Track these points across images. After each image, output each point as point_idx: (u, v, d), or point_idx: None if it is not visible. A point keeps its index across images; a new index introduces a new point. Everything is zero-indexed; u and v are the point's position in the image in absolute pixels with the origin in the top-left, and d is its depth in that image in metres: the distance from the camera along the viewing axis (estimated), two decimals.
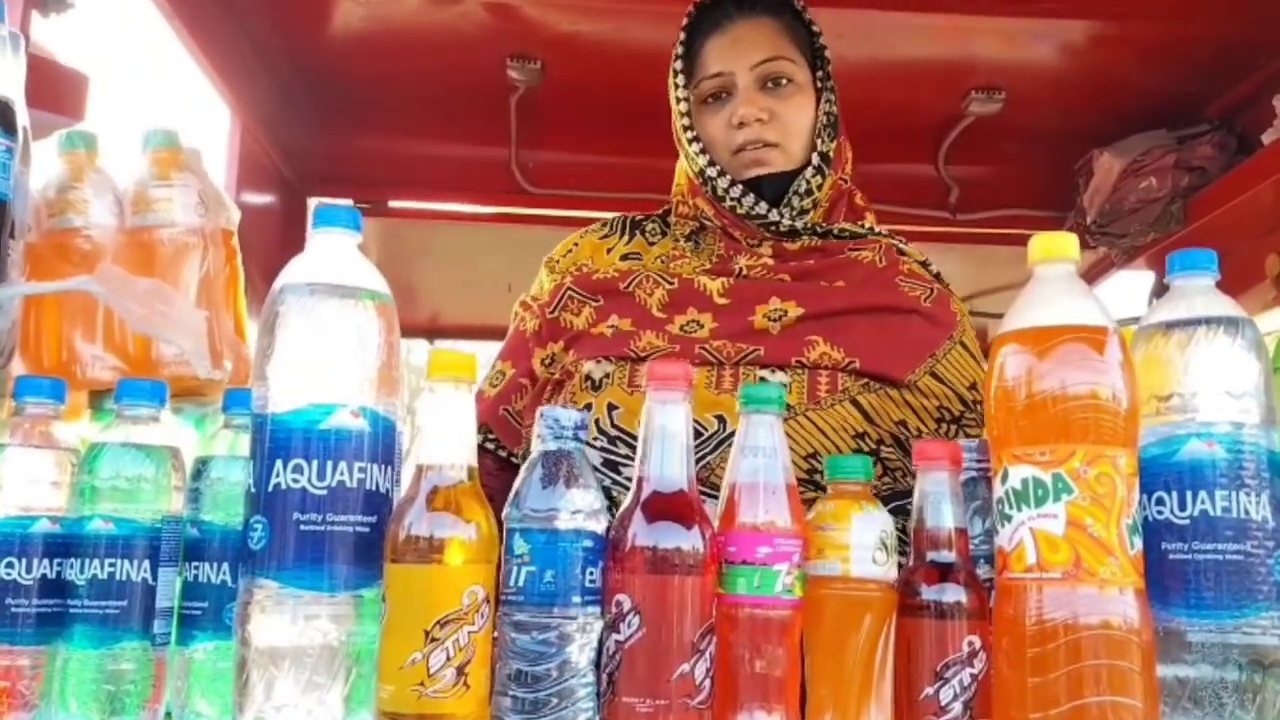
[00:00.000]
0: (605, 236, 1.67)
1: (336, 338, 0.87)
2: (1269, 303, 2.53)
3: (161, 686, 0.95)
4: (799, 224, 1.54)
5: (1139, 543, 0.85)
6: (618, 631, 0.86)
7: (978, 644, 0.90)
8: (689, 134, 1.56)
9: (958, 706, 0.89)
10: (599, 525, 0.88)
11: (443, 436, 0.90)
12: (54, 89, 1.52)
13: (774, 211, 1.52)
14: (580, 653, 0.85)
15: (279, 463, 0.86)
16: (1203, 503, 0.87)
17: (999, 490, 0.88)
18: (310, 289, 0.88)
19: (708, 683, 0.86)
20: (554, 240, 3.43)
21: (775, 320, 1.47)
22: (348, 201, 2.91)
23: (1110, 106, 2.81)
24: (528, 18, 2.45)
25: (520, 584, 0.86)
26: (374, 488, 0.87)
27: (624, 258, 1.61)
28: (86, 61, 1.60)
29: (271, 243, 2.67)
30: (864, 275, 1.54)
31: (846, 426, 1.41)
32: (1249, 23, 2.44)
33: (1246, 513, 0.86)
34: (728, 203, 1.53)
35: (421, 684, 0.84)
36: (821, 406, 1.41)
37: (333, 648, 0.86)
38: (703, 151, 1.55)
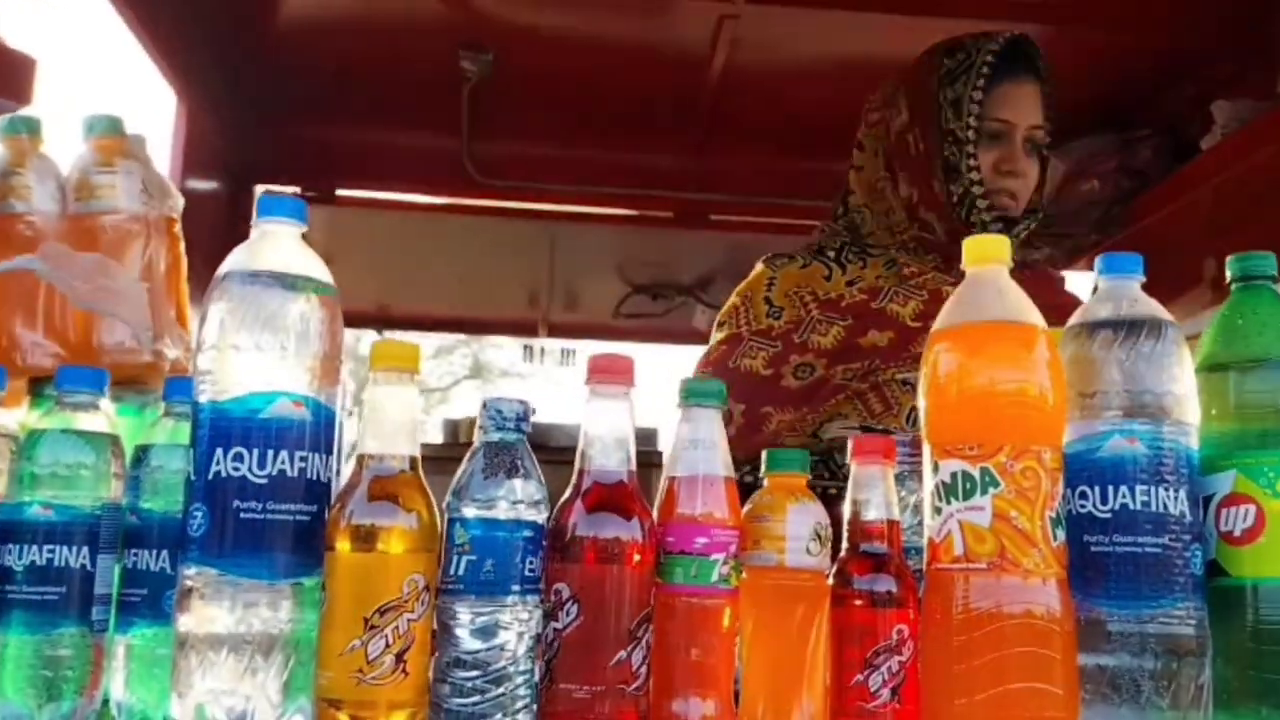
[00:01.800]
0: (805, 266, 1.72)
1: (278, 327, 0.87)
2: (1206, 304, 2.59)
3: (99, 673, 0.95)
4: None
5: (1062, 535, 0.87)
6: (556, 620, 0.88)
7: (906, 632, 0.92)
8: (972, 161, 1.65)
9: (886, 693, 0.91)
10: (539, 515, 0.89)
11: (385, 426, 0.91)
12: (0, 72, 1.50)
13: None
14: (519, 641, 0.87)
15: (219, 451, 0.86)
16: (1123, 497, 0.89)
17: (930, 483, 0.91)
18: (253, 278, 0.88)
19: (644, 670, 0.88)
20: (506, 231, 3.44)
21: None
22: (294, 190, 2.89)
23: (1056, 109, 2.86)
24: (480, 8, 2.45)
25: (460, 572, 0.87)
26: (315, 477, 0.87)
27: (850, 283, 1.68)
28: (32, 45, 1.58)
29: (216, 231, 2.65)
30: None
31: None
32: (1190, 31, 2.51)
33: (1165, 507, 0.89)
34: (975, 230, 1.63)
35: (361, 671, 0.85)
36: None
37: (272, 635, 0.86)
38: (981, 183, 1.65)
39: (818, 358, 1.63)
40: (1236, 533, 0.92)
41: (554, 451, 1.51)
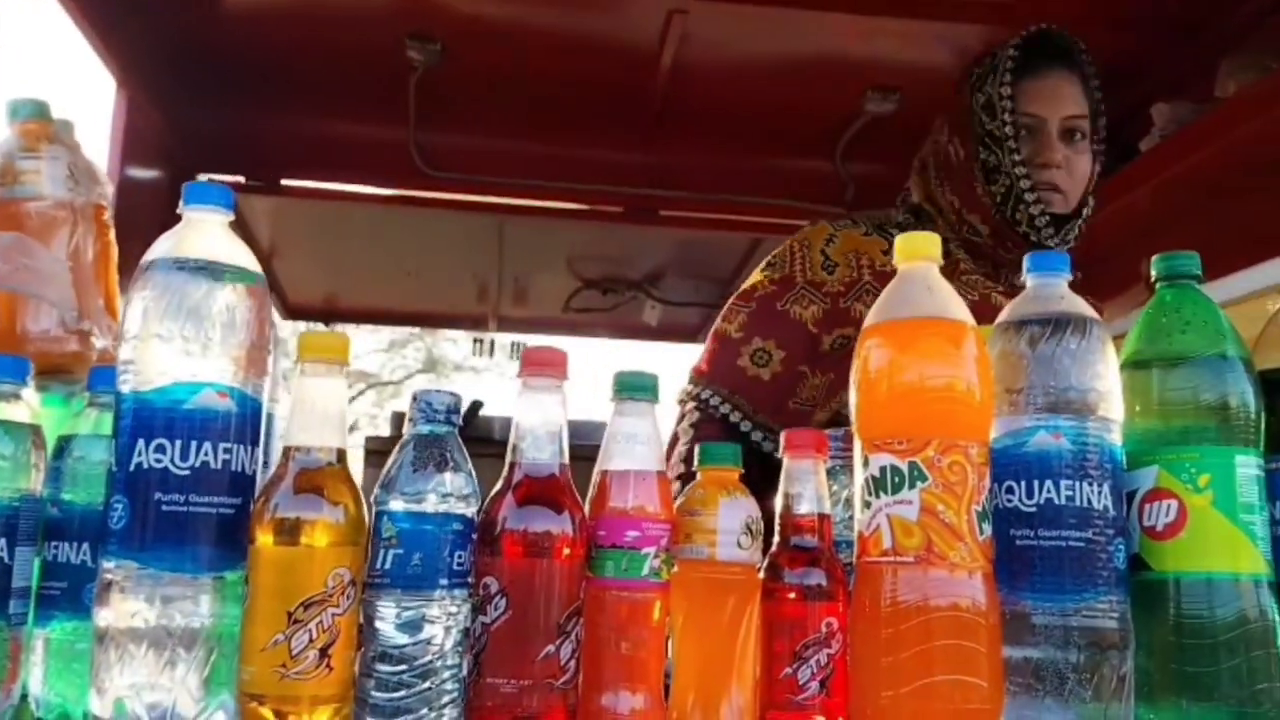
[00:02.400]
0: (867, 234, 1.72)
1: (203, 316, 0.86)
2: (1143, 302, 2.63)
3: (17, 667, 0.93)
4: None
5: (989, 529, 0.88)
6: (485, 614, 0.87)
7: (835, 625, 0.93)
8: (1016, 155, 1.64)
9: (815, 685, 0.92)
10: (469, 509, 0.89)
11: (312, 418, 0.90)
12: None
13: (1059, 249, 1.64)
14: (446, 635, 0.86)
15: (141, 442, 0.85)
16: (1049, 492, 0.91)
17: (860, 477, 0.91)
18: (177, 266, 0.87)
19: (573, 664, 0.88)
20: (454, 223, 3.42)
21: None
22: (238, 179, 2.85)
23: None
24: None
25: (387, 566, 0.86)
26: (239, 469, 0.86)
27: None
28: None
29: (158, 221, 2.59)
30: None
31: None
32: (1132, 35, 2.54)
33: (1089, 502, 0.90)
34: (1024, 228, 1.64)
35: (284, 665, 0.84)
36: None
37: (194, 629, 0.85)
38: (1027, 176, 1.64)
39: (856, 329, 1.62)
40: (1159, 528, 0.94)
41: (502, 446, 1.50)
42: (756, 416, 1.63)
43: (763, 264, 1.76)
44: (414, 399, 0.92)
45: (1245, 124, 2.19)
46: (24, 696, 0.96)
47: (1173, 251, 1.00)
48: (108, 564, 0.85)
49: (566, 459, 0.92)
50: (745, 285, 1.75)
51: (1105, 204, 2.75)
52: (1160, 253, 1.03)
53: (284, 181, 3.01)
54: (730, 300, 1.74)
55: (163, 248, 0.90)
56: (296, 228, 3.27)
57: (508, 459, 0.92)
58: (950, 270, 1.66)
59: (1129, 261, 2.69)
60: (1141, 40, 2.57)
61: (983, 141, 1.68)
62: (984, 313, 1.59)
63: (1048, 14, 2.46)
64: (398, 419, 4.03)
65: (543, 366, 0.93)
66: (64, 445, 0.99)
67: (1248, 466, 0.93)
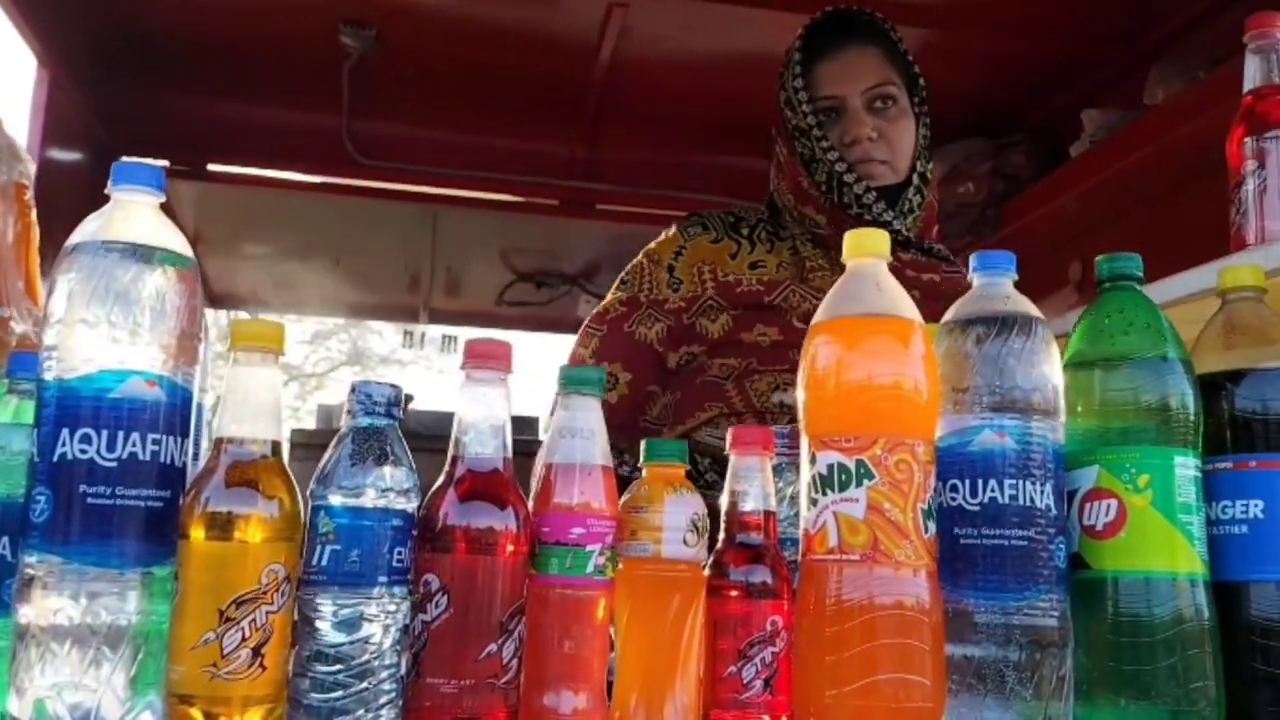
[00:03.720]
0: (716, 240, 1.71)
1: (131, 301, 0.82)
2: (1071, 305, 2.69)
3: None
4: (910, 236, 1.66)
5: (933, 527, 0.88)
6: (424, 612, 0.85)
7: (780, 623, 0.92)
8: (824, 143, 1.64)
9: (759, 684, 0.91)
10: (409, 504, 0.86)
11: (245, 409, 0.87)
12: None
13: (896, 220, 1.63)
14: (385, 634, 0.84)
15: (65, 432, 0.81)
16: (993, 490, 0.91)
17: (807, 475, 0.91)
18: (105, 248, 0.83)
19: (515, 663, 0.86)
20: (386, 213, 3.38)
21: None
22: (163, 163, 2.77)
23: (934, 112, 2.91)
24: None
25: (324, 563, 0.83)
26: (169, 460, 0.83)
27: (752, 267, 1.67)
28: None
29: (80, 204, 2.50)
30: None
31: None
32: (1067, 41, 2.59)
33: (1032, 501, 0.91)
34: (855, 209, 1.62)
35: (214, 665, 0.81)
36: None
37: (120, 627, 0.81)
38: (841, 159, 1.63)
39: (701, 347, 1.63)
40: (1099, 527, 0.94)
41: (431, 440, 1.48)
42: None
43: (617, 280, 1.76)
44: (353, 390, 0.89)
45: (1174, 130, 2.24)
46: None
47: (1116, 253, 1.01)
48: (29, 558, 0.81)
49: (510, 453, 0.90)
50: (598, 307, 1.75)
51: (1036, 207, 2.81)
52: (1091, 255, 1.04)
53: (210, 166, 2.94)
54: (585, 323, 1.74)
55: (90, 229, 0.86)
56: (221, 214, 3.19)
57: (450, 453, 0.90)
58: (798, 271, 1.68)
59: (1059, 264, 2.75)
60: (1072, 47, 2.62)
61: (794, 136, 1.69)
62: None
63: (978, 18, 2.51)
64: (325, 412, 3.96)
65: (487, 359, 0.91)
66: None
67: (1186, 467, 0.94)
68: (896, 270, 1.61)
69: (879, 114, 1.67)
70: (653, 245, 1.75)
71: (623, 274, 1.75)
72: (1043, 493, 0.91)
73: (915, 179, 1.67)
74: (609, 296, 1.74)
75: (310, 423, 4.21)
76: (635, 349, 1.66)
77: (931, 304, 1.61)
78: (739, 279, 1.66)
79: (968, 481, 0.92)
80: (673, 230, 1.75)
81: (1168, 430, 0.94)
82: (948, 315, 0.98)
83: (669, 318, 1.66)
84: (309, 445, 2.96)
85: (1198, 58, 2.27)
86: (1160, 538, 0.93)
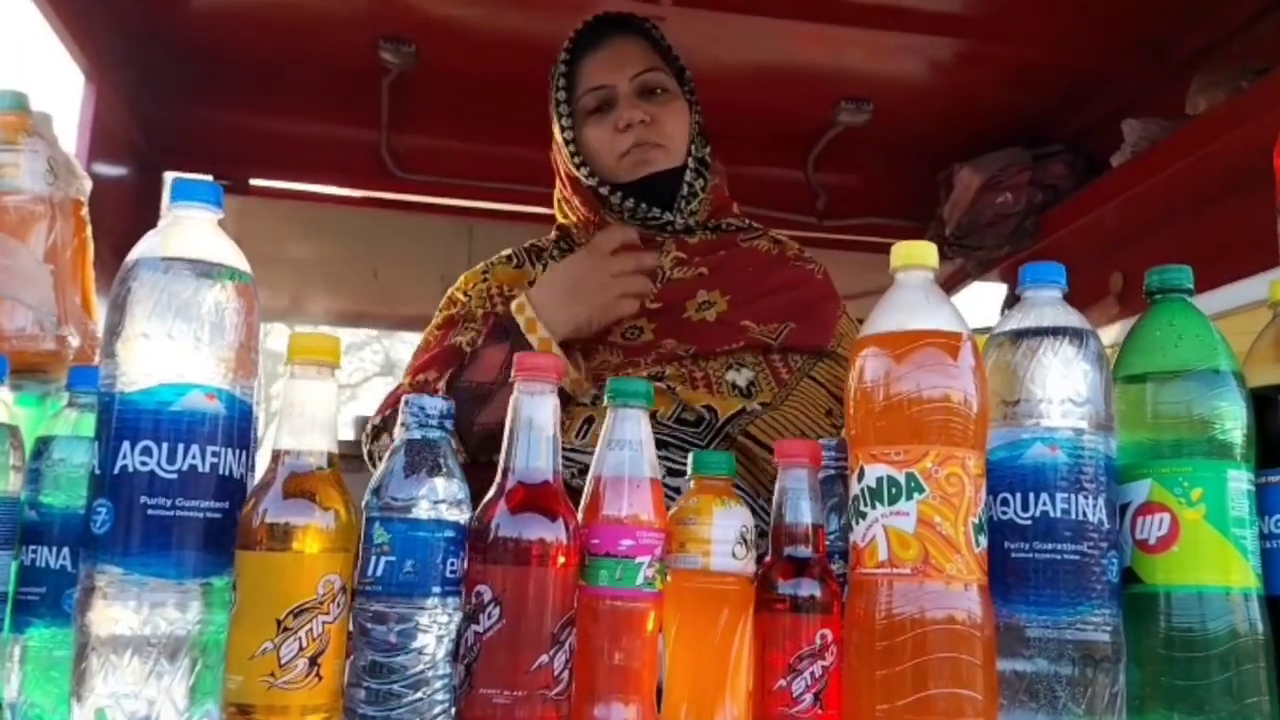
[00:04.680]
0: (518, 267, 1.72)
1: (191, 316, 0.84)
2: (1113, 317, 2.67)
3: None
4: (691, 222, 1.67)
5: (984, 541, 0.88)
6: (477, 623, 0.86)
7: (830, 637, 0.92)
8: (574, 155, 1.66)
9: (809, 698, 0.91)
10: (461, 515, 0.87)
11: (302, 421, 0.88)
12: None
13: (666, 214, 1.65)
14: (438, 644, 0.84)
15: (126, 444, 0.82)
16: (1044, 504, 0.91)
17: (855, 488, 0.91)
18: (165, 265, 0.84)
19: (566, 674, 0.86)
20: (423, 227, 3.40)
21: (706, 310, 1.60)
22: (207, 177, 2.81)
23: (972, 123, 2.92)
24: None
25: (379, 573, 0.84)
26: (227, 473, 0.84)
27: (531, 284, 1.66)
28: None
29: (123, 216, 2.56)
30: (766, 260, 1.71)
31: (817, 404, 1.53)
32: (1103, 52, 2.57)
33: (1084, 515, 0.90)
34: (620, 212, 1.65)
35: (272, 674, 0.82)
36: (789, 387, 1.53)
37: (179, 637, 0.83)
38: (582, 164, 1.65)
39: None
40: (1151, 541, 0.94)
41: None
42: None
43: (439, 309, 1.76)
44: (406, 403, 0.90)
45: (1218, 140, 2.22)
46: None
47: (1166, 265, 1.00)
48: (90, 569, 0.83)
49: (560, 465, 0.91)
50: (419, 344, 1.73)
51: (1075, 218, 2.79)
52: (1133, 266, 1.04)
53: (252, 180, 2.97)
54: (409, 364, 1.71)
55: (149, 244, 0.87)
56: (263, 228, 3.22)
57: (500, 464, 0.91)
58: None
59: (1099, 275, 2.73)
60: (1112, 57, 2.60)
61: (568, 146, 1.68)
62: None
63: (1017, 28, 2.50)
64: (361, 422, 3.99)
65: (536, 371, 0.92)
66: (43, 447, 0.97)
67: (1239, 481, 0.93)
68: (683, 260, 1.63)
69: (651, 99, 1.67)
70: (460, 279, 1.76)
71: (440, 304, 1.75)
72: (1095, 507, 0.91)
73: (692, 163, 1.67)
74: (430, 326, 1.73)
75: (346, 433, 4.23)
76: (451, 353, 1.61)
77: (731, 273, 1.63)
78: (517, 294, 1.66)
79: (1019, 495, 0.92)
80: (484, 263, 1.77)
81: (1220, 443, 0.94)
82: (998, 328, 0.98)
83: (481, 322, 1.64)
84: (345, 455, 2.98)
85: (1240, 67, 2.25)
86: (1213, 552, 0.92)
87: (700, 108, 1.73)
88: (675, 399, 1.48)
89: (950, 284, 3.31)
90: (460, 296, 1.71)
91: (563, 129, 1.69)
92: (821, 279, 1.73)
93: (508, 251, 1.77)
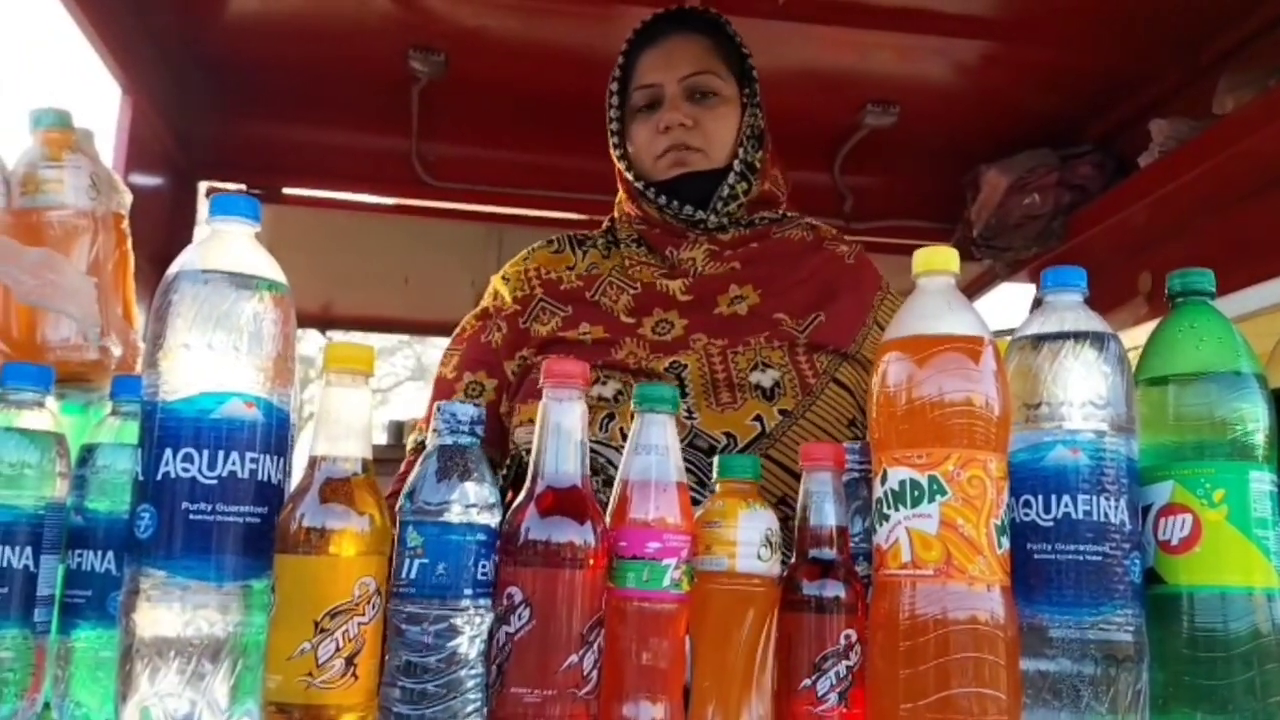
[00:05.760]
0: (558, 251, 1.74)
1: (231, 326, 0.86)
2: (1141, 317, 2.66)
3: (41, 675, 0.94)
4: (725, 220, 1.66)
5: (1006, 543, 0.89)
6: (508, 624, 0.88)
7: (854, 637, 0.94)
8: (616, 148, 1.69)
9: (833, 697, 0.92)
10: (492, 519, 0.89)
11: (338, 428, 0.90)
12: None
13: (699, 212, 1.64)
14: (470, 644, 0.86)
15: (169, 451, 0.85)
16: (1066, 506, 0.92)
17: (878, 491, 0.92)
18: (205, 277, 0.87)
19: (595, 674, 0.88)
20: (453, 233, 3.43)
21: (738, 304, 1.60)
22: (241, 187, 2.86)
23: (999, 124, 2.91)
24: (432, 9, 2.44)
25: (412, 576, 0.86)
26: (266, 479, 0.87)
27: (569, 268, 1.69)
28: None
29: (160, 228, 2.61)
30: (799, 249, 1.70)
31: (841, 414, 1.53)
32: (1130, 52, 2.56)
33: (1106, 516, 0.91)
34: (653, 208, 1.65)
35: (310, 674, 0.84)
36: (814, 394, 1.53)
37: (219, 638, 0.85)
38: (623, 157, 1.68)
39: (531, 349, 1.63)
40: (1174, 542, 0.95)
41: None
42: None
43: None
44: (438, 410, 0.92)
45: (1246, 139, 2.21)
46: (46, 705, 0.96)
47: (1187, 268, 1.01)
48: (134, 572, 0.86)
49: (588, 470, 0.93)
50: (457, 330, 1.75)
51: (1103, 218, 2.78)
52: (1161, 266, 1.05)
53: (286, 190, 3.01)
54: (448, 345, 1.73)
55: (189, 258, 0.90)
56: (296, 236, 3.27)
57: (530, 469, 0.93)
58: (620, 265, 1.67)
59: (1127, 276, 2.72)
60: (1140, 57, 2.60)
61: (615, 139, 1.70)
62: (651, 299, 1.62)
63: (1044, 29, 2.50)
64: (396, 427, 4.03)
65: (564, 378, 0.94)
66: (88, 454, 1.00)
67: (1261, 482, 0.94)
68: (715, 254, 1.64)
69: (697, 103, 1.67)
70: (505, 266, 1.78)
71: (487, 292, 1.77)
72: (1117, 508, 0.92)
73: (739, 165, 1.65)
74: (464, 319, 1.75)
75: (380, 438, 4.27)
76: (494, 355, 1.65)
77: (763, 266, 1.64)
78: (561, 278, 1.67)
79: (1041, 497, 0.93)
80: (525, 250, 1.78)
81: (1242, 445, 0.94)
82: (1019, 331, 0.99)
83: (506, 323, 1.66)
84: (380, 460, 3.01)
85: (1268, 66, 2.24)
86: (1236, 552, 0.93)
87: (761, 110, 1.71)
88: (688, 426, 1.48)
89: (978, 286, 3.31)
90: (499, 285, 1.72)
91: (610, 120, 1.70)
92: (853, 263, 1.72)
93: (553, 236, 1.78)
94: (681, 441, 1.47)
